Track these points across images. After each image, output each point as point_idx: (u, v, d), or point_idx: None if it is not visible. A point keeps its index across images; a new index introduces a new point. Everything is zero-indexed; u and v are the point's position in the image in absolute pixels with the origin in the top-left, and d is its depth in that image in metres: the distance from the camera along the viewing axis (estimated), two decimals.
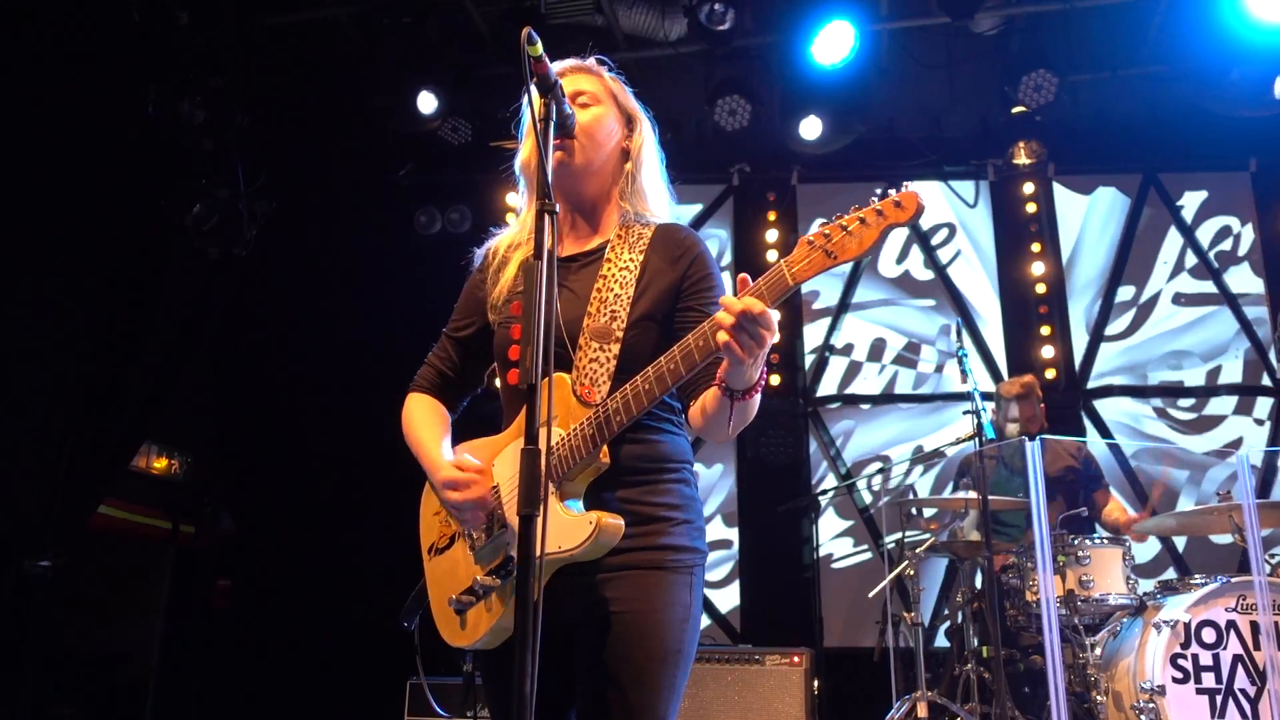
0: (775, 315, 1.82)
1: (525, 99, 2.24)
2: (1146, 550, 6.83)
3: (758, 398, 1.97)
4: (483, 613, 2.07)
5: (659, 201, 2.34)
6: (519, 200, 2.39)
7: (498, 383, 2.34)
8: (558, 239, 2.25)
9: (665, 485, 2.12)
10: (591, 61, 2.32)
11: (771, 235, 7.63)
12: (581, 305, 2.14)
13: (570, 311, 2.13)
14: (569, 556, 1.95)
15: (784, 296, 1.84)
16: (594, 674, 2.02)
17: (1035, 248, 7.46)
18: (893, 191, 1.79)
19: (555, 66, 2.17)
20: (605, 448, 1.97)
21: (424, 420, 2.29)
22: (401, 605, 2.32)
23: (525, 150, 2.31)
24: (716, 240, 7.80)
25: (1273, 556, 4.52)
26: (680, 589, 2.07)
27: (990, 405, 5.72)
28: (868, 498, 7.26)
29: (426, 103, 6.14)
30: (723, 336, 1.81)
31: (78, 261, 5.53)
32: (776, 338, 1.84)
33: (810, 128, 6.44)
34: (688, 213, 7.83)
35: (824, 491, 7.08)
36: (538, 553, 1.71)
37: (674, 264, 2.20)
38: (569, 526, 1.96)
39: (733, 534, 7.24)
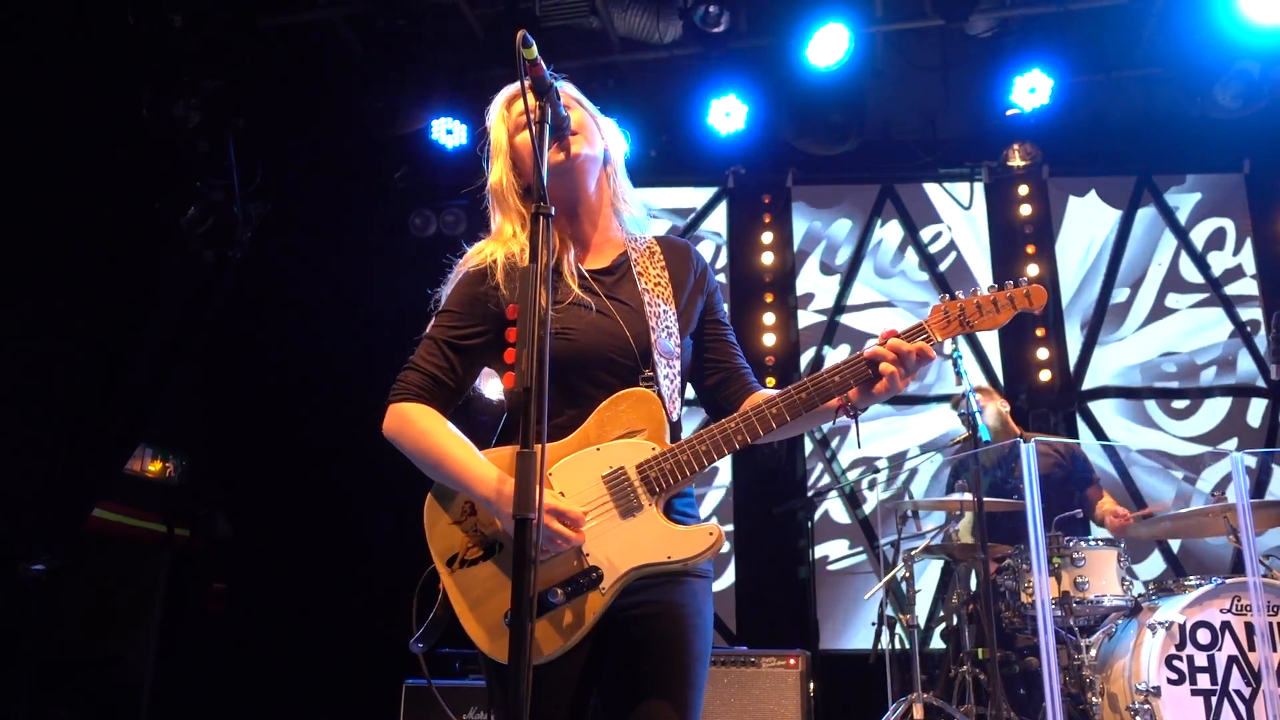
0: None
1: (490, 117, 2.33)
2: (1141, 551, 6.84)
3: None
4: (560, 623, 1.99)
5: (637, 201, 2.36)
6: (494, 222, 2.34)
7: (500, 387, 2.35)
8: (570, 250, 2.26)
9: (690, 496, 2.22)
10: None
11: (767, 238, 7.64)
12: (643, 320, 2.16)
13: (635, 326, 2.15)
14: (680, 566, 2.03)
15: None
16: (631, 678, 2.04)
17: (1030, 250, 7.47)
18: (1023, 282, 2.23)
19: (512, 90, 2.26)
20: None
21: (442, 431, 2.12)
22: (398, 607, 2.28)
23: (495, 172, 2.30)
24: (712, 242, 7.80)
25: (1267, 558, 4.53)
26: (707, 596, 2.16)
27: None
28: (863, 499, 7.26)
29: (421, 105, 6.14)
30: (889, 368, 2.08)
31: (72, 264, 5.51)
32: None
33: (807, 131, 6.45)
34: (683, 216, 7.84)
35: (819, 493, 7.09)
36: (534, 556, 1.72)
37: (697, 281, 2.31)
38: (682, 537, 2.03)
39: (728, 536, 7.24)
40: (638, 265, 2.25)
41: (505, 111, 2.30)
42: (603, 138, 2.30)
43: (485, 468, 2.04)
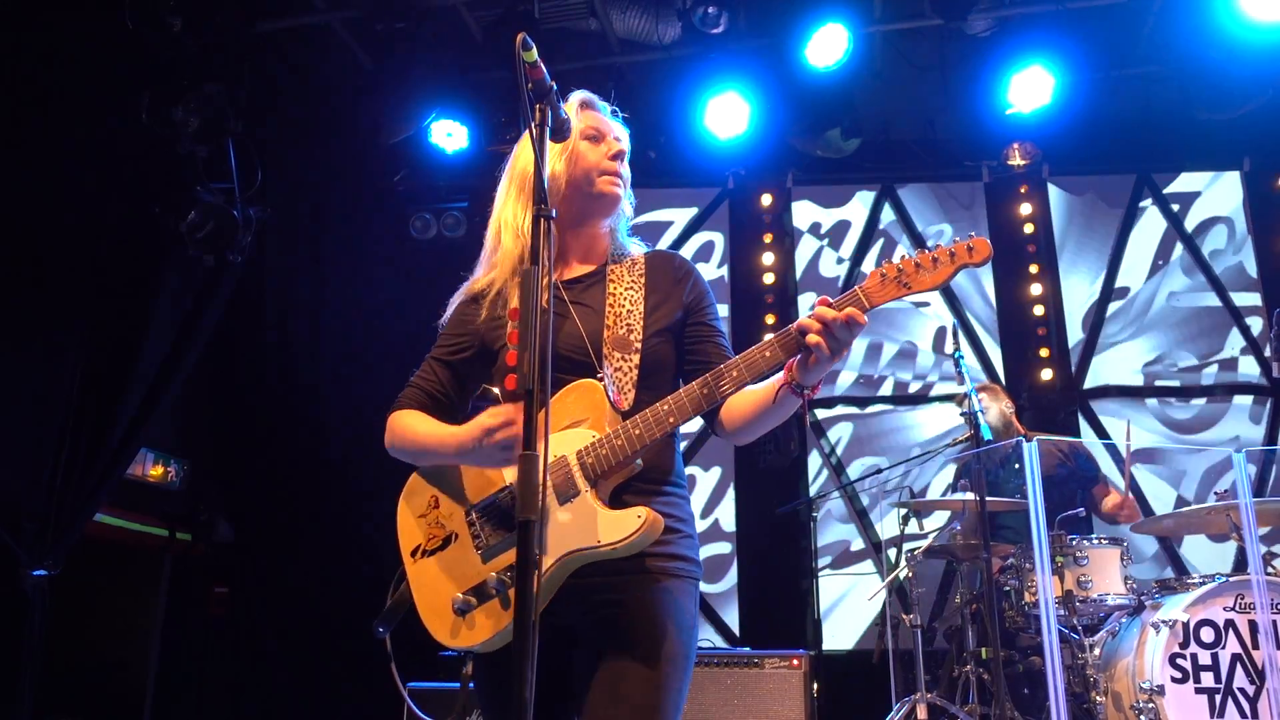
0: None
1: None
2: (1144, 550, 6.84)
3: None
4: (495, 611, 2.07)
5: (627, 239, 2.46)
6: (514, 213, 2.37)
7: (496, 390, 2.37)
8: (556, 262, 2.35)
9: (674, 498, 2.22)
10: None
11: (767, 238, 7.63)
12: (599, 319, 2.23)
13: (590, 325, 2.23)
14: (610, 551, 2.00)
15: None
16: (605, 680, 2.04)
17: (1030, 249, 7.47)
18: (969, 236, 2.08)
19: (584, 97, 2.41)
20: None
21: (423, 421, 2.29)
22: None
23: (557, 161, 2.33)
24: (713, 243, 7.80)
25: (1271, 555, 4.53)
26: (687, 598, 2.15)
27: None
28: (865, 500, 7.26)
29: (420, 108, 6.14)
30: (814, 339, 1.99)
31: (72, 269, 5.51)
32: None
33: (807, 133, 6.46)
34: (683, 217, 7.83)
35: (822, 494, 7.08)
36: (536, 558, 1.72)
37: (677, 285, 2.33)
38: (612, 521, 2.01)
39: (731, 537, 7.23)
40: (612, 275, 2.31)
41: (580, 111, 2.41)
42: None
43: (450, 431, 2.18)
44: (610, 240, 2.41)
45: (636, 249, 2.43)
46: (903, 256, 2.07)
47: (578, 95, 2.42)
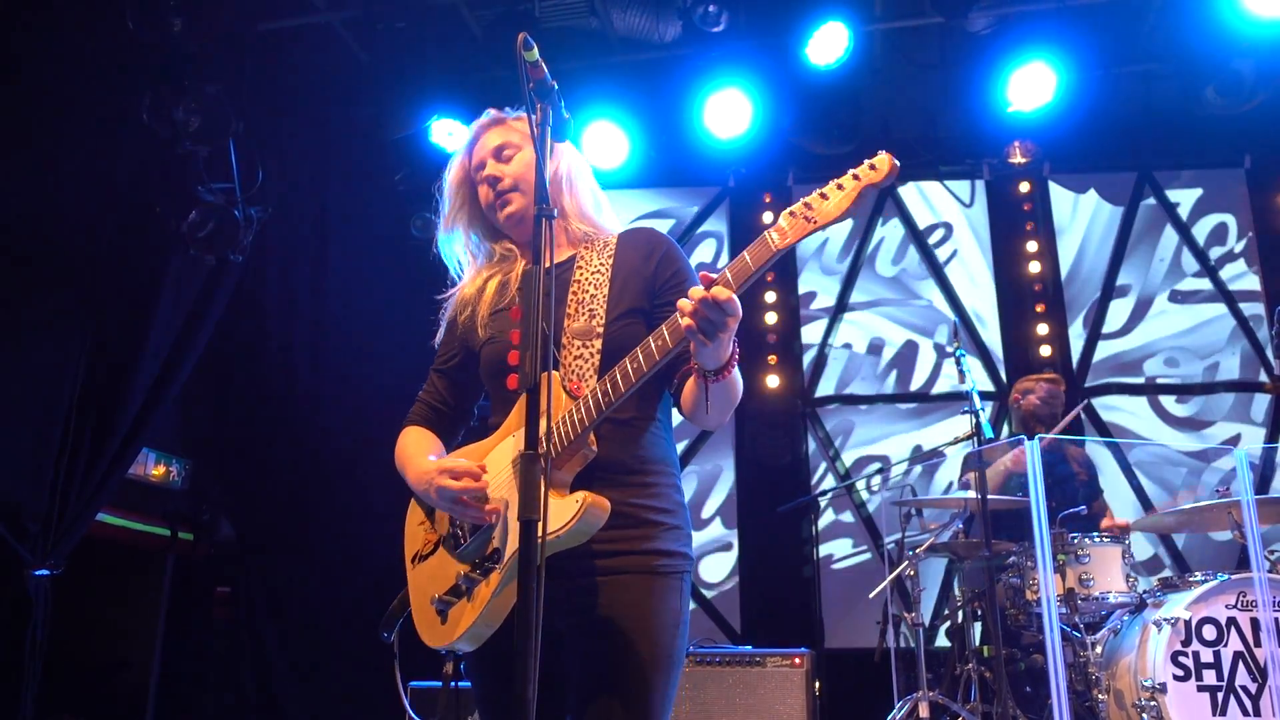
0: (738, 302, 1.90)
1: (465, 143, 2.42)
2: (1146, 548, 6.83)
3: (734, 379, 2.03)
4: (464, 608, 2.09)
5: (602, 213, 2.40)
6: (458, 247, 2.46)
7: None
8: (521, 261, 2.36)
9: (655, 488, 2.15)
10: (496, 113, 2.42)
11: None
12: (560, 309, 2.20)
13: (555, 317, 2.20)
14: (554, 540, 1.93)
15: (770, 263, 1.91)
16: (589, 681, 2.03)
17: (1031, 247, 7.47)
18: (876, 153, 1.94)
19: (472, 129, 2.40)
20: (593, 435, 2.02)
21: (413, 443, 2.35)
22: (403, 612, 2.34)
23: (454, 170, 2.42)
24: (714, 242, 7.80)
25: (1272, 553, 4.53)
26: (671, 594, 2.09)
27: (989, 404, 5.75)
28: (867, 498, 7.26)
29: (421, 107, 6.15)
30: (685, 322, 1.87)
31: (74, 269, 5.51)
32: (738, 320, 1.91)
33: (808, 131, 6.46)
34: (684, 216, 7.83)
35: (824, 492, 7.08)
36: (538, 557, 1.72)
37: (645, 262, 2.26)
38: (555, 510, 1.95)
39: (732, 535, 7.23)
40: (581, 260, 2.27)
41: (473, 147, 2.41)
42: (546, 170, 2.29)
43: (419, 460, 2.25)
44: (579, 226, 2.34)
45: (610, 230, 2.36)
46: (815, 192, 1.93)
47: (473, 130, 2.45)
